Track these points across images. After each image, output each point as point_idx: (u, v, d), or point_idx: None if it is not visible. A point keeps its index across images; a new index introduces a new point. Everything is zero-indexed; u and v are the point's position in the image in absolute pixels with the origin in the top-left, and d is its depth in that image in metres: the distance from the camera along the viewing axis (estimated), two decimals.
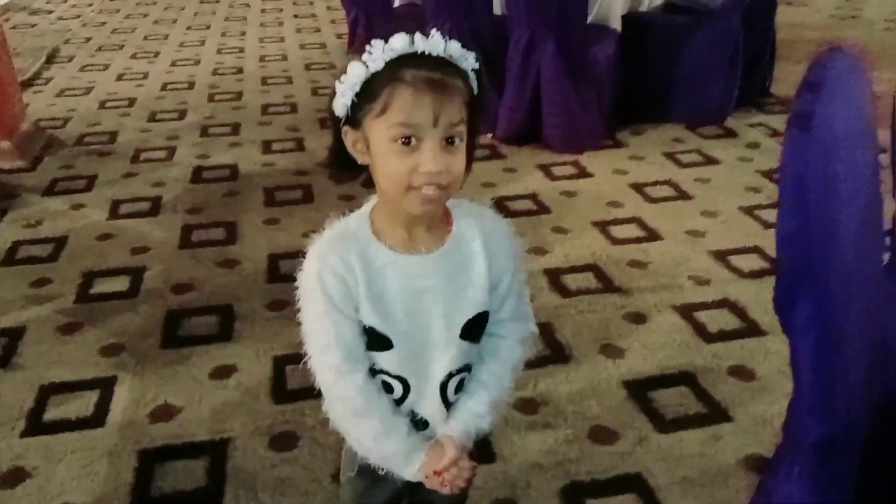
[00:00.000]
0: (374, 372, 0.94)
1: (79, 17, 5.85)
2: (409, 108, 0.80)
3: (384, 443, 0.92)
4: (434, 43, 0.82)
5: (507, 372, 0.97)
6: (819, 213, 0.65)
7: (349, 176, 0.93)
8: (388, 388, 0.94)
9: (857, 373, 0.76)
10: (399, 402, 0.95)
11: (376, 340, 0.91)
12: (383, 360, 0.92)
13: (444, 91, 0.81)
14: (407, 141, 0.81)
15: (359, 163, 0.89)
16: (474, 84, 0.85)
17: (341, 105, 0.85)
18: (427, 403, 0.95)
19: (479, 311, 0.93)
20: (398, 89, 0.80)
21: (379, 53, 0.81)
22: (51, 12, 6.02)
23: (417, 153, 0.82)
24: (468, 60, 0.84)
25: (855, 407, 0.75)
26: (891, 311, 1.11)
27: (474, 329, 0.93)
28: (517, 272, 0.95)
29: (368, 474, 1.03)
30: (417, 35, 0.81)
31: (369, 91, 0.82)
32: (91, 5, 6.23)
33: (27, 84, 4.05)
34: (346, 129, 0.87)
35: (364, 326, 0.90)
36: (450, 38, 0.83)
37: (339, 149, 0.89)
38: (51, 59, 4.64)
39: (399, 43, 0.81)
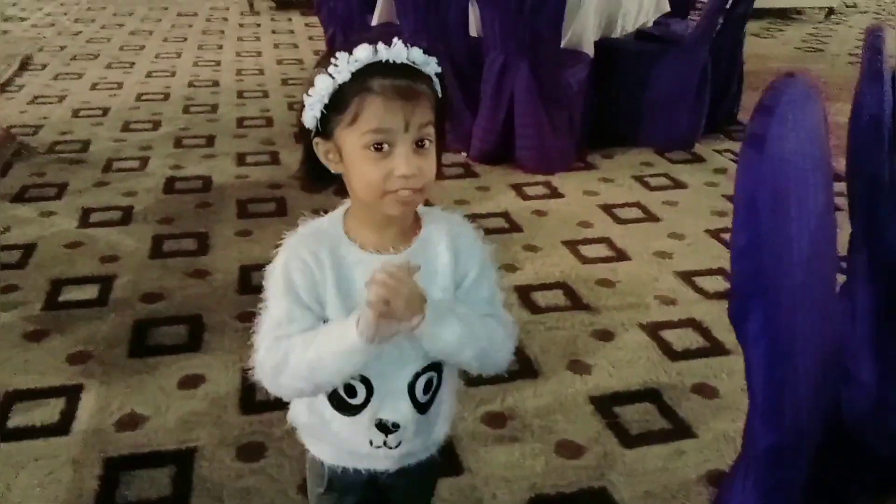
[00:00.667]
0: None
1: (53, 25, 5.82)
2: (380, 116, 0.83)
3: (312, 348, 0.86)
4: (397, 50, 0.84)
5: (491, 327, 0.93)
6: (769, 228, 0.69)
7: (321, 186, 0.95)
8: (350, 392, 0.94)
9: (806, 383, 0.79)
10: (362, 406, 0.95)
11: None
12: None
13: (413, 96, 0.83)
14: (379, 147, 0.84)
15: (332, 172, 0.91)
16: (438, 88, 0.87)
17: (311, 117, 0.87)
18: (395, 405, 0.95)
19: None
20: (367, 99, 0.83)
21: (344, 65, 0.83)
22: (24, 19, 5.98)
23: (390, 158, 0.84)
24: (431, 65, 0.86)
25: (804, 417, 0.79)
26: (844, 331, 1.15)
27: None
28: (484, 270, 0.95)
29: (337, 488, 1.04)
30: (380, 44, 0.83)
31: (338, 102, 0.84)
32: (66, 14, 6.19)
33: None
34: (317, 140, 0.89)
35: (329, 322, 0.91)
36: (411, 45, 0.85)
37: (310, 160, 0.91)
38: (24, 66, 4.60)
39: (363, 53, 0.83)
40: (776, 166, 0.70)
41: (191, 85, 4.35)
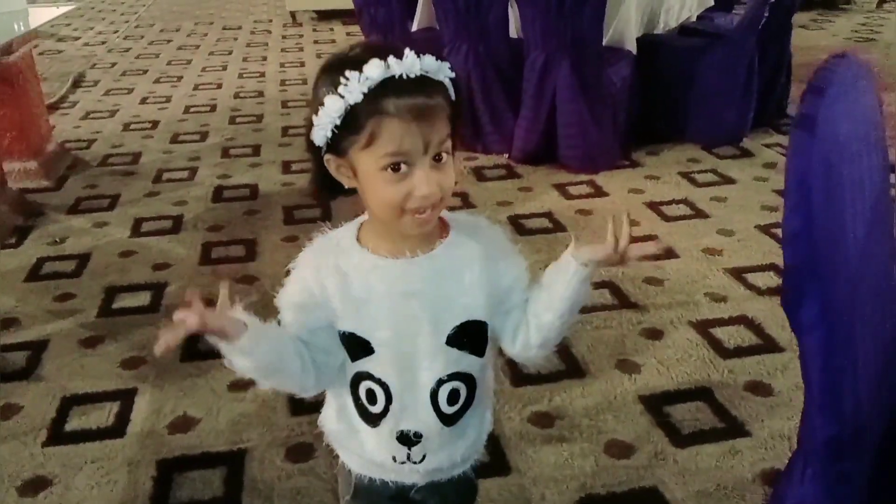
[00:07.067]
0: (359, 377, 0.93)
1: (104, 42, 5.99)
2: (398, 140, 0.79)
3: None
4: (409, 63, 0.79)
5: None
6: (823, 213, 0.67)
7: (334, 195, 0.91)
8: (370, 398, 0.93)
9: (866, 372, 0.76)
10: (382, 414, 0.93)
11: (357, 346, 0.90)
12: (367, 364, 0.91)
13: (430, 116, 0.79)
14: (397, 168, 0.80)
15: (345, 186, 0.88)
16: (452, 92, 0.83)
17: (321, 136, 0.83)
18: (417, 414, 0.92)
19: (471, 319, 0.90)
20: (383, 121, 0.78)
21: (356, 84, 0.78)
22: (77, 39, 6.17)
23: (409, 179, 0.81)
24: (444, 71, 0.82)
25: (864, 406, 0.76)
26: None
27: (465, 337, 0.90)
28: (520, 276, 0.92)
29: (363, 497, 1.02)
30: (391, 58, 0.78)
31: (351, 123, 0.80)
32: (116, 32, 6.38)
33: (54, 107, 4.14)
34: (328, 156, 0.85)
35: (343, 333, 0.90)
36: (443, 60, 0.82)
37: (321, 175, 0.88)
38: (77, 83, 4.75)
39: (375, 71, 0.78)
40: (828, 148, 0.68)
41: (236, 96, 4.43)
